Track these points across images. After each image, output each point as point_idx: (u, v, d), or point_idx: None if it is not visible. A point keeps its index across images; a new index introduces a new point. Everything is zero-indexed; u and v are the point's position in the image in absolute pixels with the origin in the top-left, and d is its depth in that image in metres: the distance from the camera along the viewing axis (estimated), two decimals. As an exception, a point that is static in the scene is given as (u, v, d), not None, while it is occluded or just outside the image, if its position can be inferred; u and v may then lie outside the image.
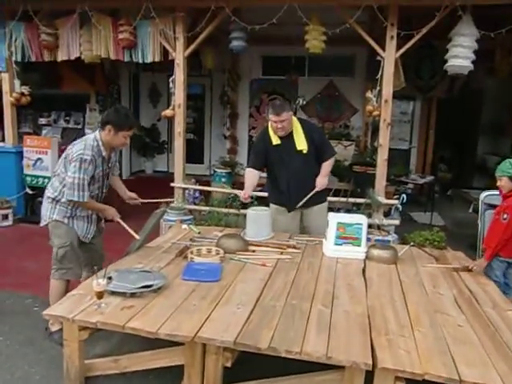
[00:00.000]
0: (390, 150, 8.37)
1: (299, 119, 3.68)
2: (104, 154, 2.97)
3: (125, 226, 3.06)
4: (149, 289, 2.44)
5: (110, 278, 2.48)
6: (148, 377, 2.48)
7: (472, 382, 1.80)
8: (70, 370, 2.37)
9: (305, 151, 3.54)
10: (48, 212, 2.99)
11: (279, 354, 1.96)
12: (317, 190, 3.58)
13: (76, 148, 2.88)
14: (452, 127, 8.66)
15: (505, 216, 3.11)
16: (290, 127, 3.51)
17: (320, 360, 1.93)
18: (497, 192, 5.18)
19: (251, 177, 3.68)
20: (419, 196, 7.80)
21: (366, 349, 1.99)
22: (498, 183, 3.28)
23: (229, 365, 2.13)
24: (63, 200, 2.93)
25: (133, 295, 2.40)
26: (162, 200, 3.29)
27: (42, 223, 3.04)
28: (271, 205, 3.84)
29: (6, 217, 5.59)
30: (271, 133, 3.58)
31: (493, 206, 5.01)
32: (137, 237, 3.10)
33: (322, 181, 3.61)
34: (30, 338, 2.95)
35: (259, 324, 2.16)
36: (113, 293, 2.39)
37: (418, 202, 7.43)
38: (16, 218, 5.65)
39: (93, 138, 2.93)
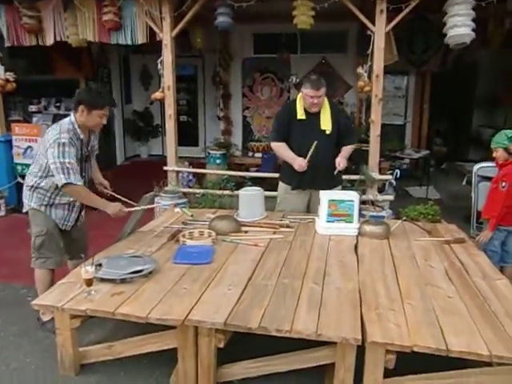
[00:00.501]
0: (385, 125, 8.33)
1: (329, 99, 3.56)
2: (82, 136, 2.86)
3: (134, 208, 3.12)
4: (139, 274, 2.44)
5: (99, 265, 2.49)
6: (143, 361, 2.49)
7: (458, 351, 1.83)
8: (64, 358, 2.40)
9: (328, 132, 3.46)
10: (27, 199, 2.94)
11: (270, 333, 1.98)
12: (339, 169, 3.45)
13: (51, 133, 2.77)
14: (446, 101, 8.59)
15: (503, 184, 3.19)
16: (323, 104, 3.45)
17: (310, 337, 1.95)
18: (489, 164, 5.20)
19: (284, 148, 3.53)
20: (415, 171, 7.80)
21: (356, 324, 2.01)
22: (494, 154, 3.35)
23: (221, 346, 2.15)
24: (42, 186, 2.86)
25: (123, 281, 2.40)
26: (129, 201, 3.19)
27: (24, 210, 3.01)
28: (280, 183, 3.77)
29: (-2, 207, 5.57)
30: (298, 106, 3.47)
31: (486, 178, 5.03)
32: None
33: (343, 161, 3.43)
34: (24, 328, 2.94)
35: (250, 304, 2.18)
36: (102, 280, 2.40)
37: (413, 177, 7.43)
38: (8, 208, 5.60)
39: (68, 122, 2.83)
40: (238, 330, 2.04)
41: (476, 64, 8.09)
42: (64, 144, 2.71)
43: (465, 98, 8.77)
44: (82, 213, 3.17)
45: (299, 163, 3.40)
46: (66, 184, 2.73)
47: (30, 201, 2.92)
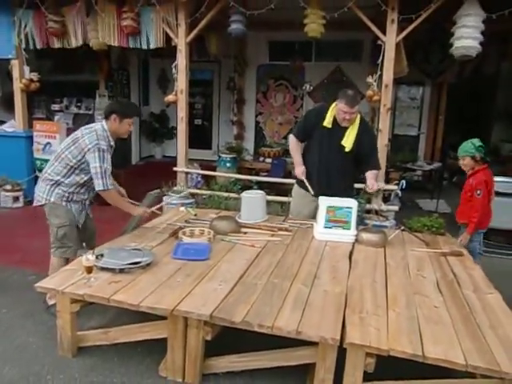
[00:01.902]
0: (399, 136, 8.34)
1: (362, 118, 3.54)
2: (112, 143, 3.12)
3: (158, 212, 3.36)
4: (137, 265, 2.56)
5: (101, 255, 2.62)
6: (137, 349, 2.60)
7: (434, 358, 1.87)
8: (63, 340, 2.52)
9: (347, 149, 3.44)
10: (44, 194, 3.09)
11: (252, 328, 2.06)
12: (369, 190, 3.52)
13: (89, 139, 2.99)
14: (463, 113, 8.51)
15: (478, 192, 3.40)
16: (354, 120, 3.44)
17: (290, 335, 2.02)
18: (501, 179, 5.18)
19: (297, 147, 3.66)
20: (427, 183, 7.75)
21: (337, 325, 2.07)
22: (461, 162, 3.52)
23: (209, 338, 2.23)
24: (66, 183, 3.05)
25: (122, 271, 2.53)
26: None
27: (36, 203, 3.16)
28: (295, 185, 3.81)
29: (17, 199, 5.79)
30: (329, 113, 3.46)
31: (496, 193, 5.01)
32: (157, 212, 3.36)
33: (373, 182, 3.47)
34: (30, 310, 3.11)
35: (237, 300, 2.26)
36: (103, 269, 2.52)
37: (425, 189, 7.39)
38: (26, 200, 5.83)
39: (101, 129, 3.06)
40: (223, 324, 2.12)
41: (495, 76, 8.00)
42: (104, 150, 2.98)
43: (483, 110, 8.67)
44: (89, 211, 3.34)
45: (298, 171, 3.55)
46: (104, 190, 3.00)
47: (48, 195, 3.08)
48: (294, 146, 3.67)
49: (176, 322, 2.24)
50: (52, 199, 3.08)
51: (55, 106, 8.36)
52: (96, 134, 3.01)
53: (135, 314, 2.35)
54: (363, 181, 5.09)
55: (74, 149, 3.01)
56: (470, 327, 2.14)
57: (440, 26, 6.37)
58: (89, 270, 2.40)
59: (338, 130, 3.44)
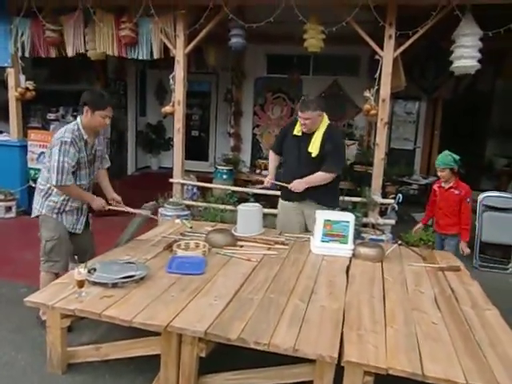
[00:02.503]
0: (395, 150, 8.36)
1: (329, 124, 3.55)
2: (85, 137, 2.98)
3: (119, 208, 3.17)
4: (130, 279, 2.50)
5: (94, 270, 2.55)
6: (129, 366, 2.53)
7: (434, 377, 1.83)
8: (52, 356, 2.45)
9: (313, 155, 3.49)
10: (38, 205, 3.05)
11: (248, 345, 2.01)
12: (288, 186, 3.50)
13: (57, 134, 2.93)
14: (458, 128, 8.57)
15: (468, 200, 3.70)
16: (314, 127, 3.47)
17: (287, 352, 1.97)
18: (495, 193, 5.19)
19: (272, 160, 3.88)
20: (423, 197, 7.75)
21: (335, 343, 2.02)
22: (440, 174, 3.71)
23: (203, 355, 2.18)
24: (54, 193, 2.98)
25: (114, 285, 2.47)
26: (141, 211, 3.32)
27: (33, 215, 3.12)
28: (279, 199, 3.87)
29: (9, 209, 5.71)
30: (299, 123, 3.54)
31: (491, 208, 5.02)
32: (138, 211, 3.24)
33: (297, 184, 3.47)
34: (19, 325, 3.03)
35: (233, 316, 2.21)
36: (95, 283, 2.46)
37: (421, 203, 7.36)
38: (19, 210, 5.76)
39: (73, 123, 2.99)
40: (218, 341, 2.07)
41: (490, 92, 8.09)
42: (66, 142, 2.85)
43: (477, 126, 8.74)
44: (90, 215, 3.29)
45: (266, 180, 3.77)
46: (57, 185, 2.89)
47: (40, 207, 3.03)
48: (271, 159, 3.90)
49: (169, 338, 2.18)
50: (43, 211, 3.02)
51: (51, 115, 8.28)
52: (65, 129, 2.94)
53: (127, 330, 2.28)
54: (359, 194, 5.12)
55: (49, 151, 2.95)
56: (469, 345, 2.10)
57: (436, 44, 6.45)
58: (80, 284, 2.34)
59: (306, 137, 3.53)
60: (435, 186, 3.91)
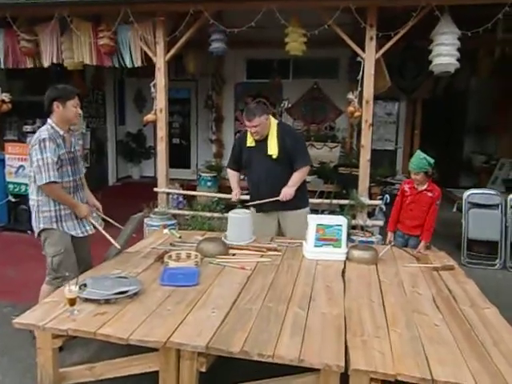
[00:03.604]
0: (376, 150, 8.44)
1: (278, 123, 3.64)
2: (62, 132, 2.93)
3: (100, 229, 3.05)
4: (123, 295, 2.41)
5: (84, 285, 2.45)
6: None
7: (444, 381, 1.79)
8: (43, 379, 2.32)
9: (274, 156, 3.52)
10: (35, 222, 2.96)
11: (251, 358, 1.94)
12: (280, 199, 3.50)
13: (33, 139, 2.89)
14: (437, 127, 8.72)
15: (438, 202, 3.69)
16: (265, 131, 3.50)
17: (293, 363, 1.91)
18: (479, 190, 5.27)
19: (232, 176, 3.84)
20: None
21: (340, 351, 1.97)
22: (414, 177, 3.65)
23: (204, 370, 2.10)
24: (44, 202, 2.90)
25: (107, 302, 2.37)
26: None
27: (35, 234, 3.02)
28: (251, 208, 3.84)
29: (-12, 225, 5.53)
30: (249, 134, 3.59)
31: (476, 205, 5.08)
32: (116, 245, 3.09)
33: (286, 191, 3.51)
34: (6, 346, 2.90)
35: (233, 327, 2.14)
36: (87, 300, 2.36)
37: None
38: (-1, 226, 5.58)
39: (45, 124, 2.94)
40: (220, 354, 2.00)
41: (467, 91, 8.25)
42: (44, 139, 2.80)
43: (456, 124, 8.91)
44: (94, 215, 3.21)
45: (233, 195, 3.75)
46: (48, 183, 2.80)
47: (38, 223, 2.94)
48: (230, 176, 3.88)
49: (168, 353, 2.10)
50: (42, 225, 2.93)
51: (27, 128, 8.05)
52: (38, 131, 2.91)
53: (121, 346, 2.18)
54: (346, 197, 5.12)
55: (30, 159, 2.89)
56: (473, 345, 2.08)
57: (413, 44, 6.54)
58: (72, 301, 2.24)
59: (261, 143, 3.55)
60: (406, 187, 3.79)
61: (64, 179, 2.95)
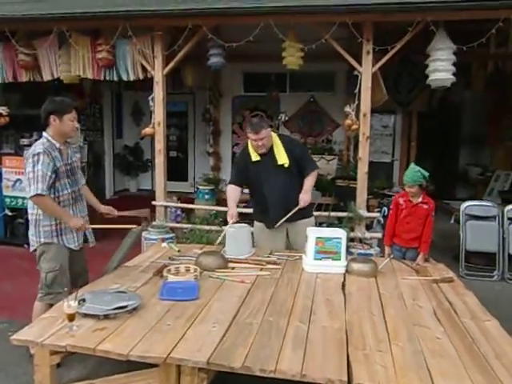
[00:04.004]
0: (373, 163, 8.48)
1: (278, 135, 3.67)
2: (58, 145, 2.91)
3: (101, 227, 3.10)
4: (123, 310, 2.38)
5: (83, 300, 2.42)
6: (124, 401, 2.40)
7: (448, 396, 1.78)
8: (41, 396, 2.29)
9: (286, 165, 3.50)
10: (34, 236, 2.93)
11: (253, 373, 1.92)
12: (300, 206, 3.50)
13: (28, 153, 2.87)
14: (433, 139, 8.78)
15: (433, 214, 3.74)
16: (269, 144, 3.50)
17: (295, 378, 1.89)
18: (476, 202, 5.29)
19: (233, 193, 3.67)
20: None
21: (342, 365, 1.95)
22: (408, 190, 3.69)
23: (204, 385, 2.08)
24: (43, 217, 2.88)
25: (106, 317, 2.34)
26: (138, 214, 3.26)
27: (31, 248, 2.98)
28: (255, 222, 3.81)
29: (-16, 239, 5.49)
30: (251, 149, 3.56)
31: (473, 217, 5.10)
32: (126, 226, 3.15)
33: (305, 197, 3.51)
34: (2, 363, 2.86)
35: (234, 342, 2.12)
36: (85, 315, 2.33)
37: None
38: (-5, 240, 5.54)
39: (42, 138, 2.93)
40: (222, 370, 1.98)
41: (461, 104, 8.34)
42: (39, 153, 2.78)
43: (451, 136, 8.98)
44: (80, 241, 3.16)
45: (229, 214, 3.56)
46: (35, 195, 2.75)
47: (38, 237, 2.91)
48: (230, 193, 3.69)
49: (168, 369, 2.07)
50: (42, 240, 2.91)
51: (24, 141, 8.03)
52: (34, 145, 2.89)
53: (119, 362, 2.14)
54: (344, 209, 5.13)
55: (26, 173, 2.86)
56: (476, 358, 2.06)
57: (408, 58, 6.62)
58: (71, 317, 2.21)
59: (268, 156, 3.52)
60: (400, 200, 3.79)
61: (63, 192, 2.94)
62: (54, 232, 2.92)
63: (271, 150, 3.52)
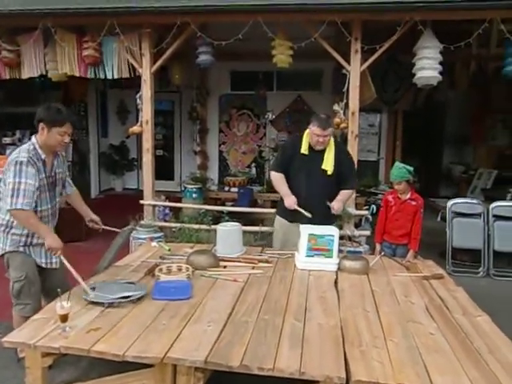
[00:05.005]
0: (360, 161, 8.54)
1: (335, 141, 3.60)
2: (43, 156, 2.71)
3: (68, 266, 2.69)
4: (127, 300, 2.43)
5: (93, 289, 2.53)
6: (117, 402, 2.36)
7: (445, 390, 1.80)
8: (33, 399, 2.25)
9: (329, 172, 3.47)
10: (1, 243, 2.76)
11: (251, 372, 1.91)
12: (333, 212, 3.47)
13: (11, 156, 2.66)
14: (418, 138, 8.89)
15: (422, 210, 3.83)
16: (328, 143, 3.46)
17: (293, 376, 1.89)
18: (463, 200, 5.36)
19: (282, 180, 3.57)
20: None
21: (340, 362, 1.96)
22: (397, 187, 3.75)
23: (201, 385, 2.06)
24: (15, 224, 2.70)
25: (111, 305, 2.40)
26: (124, 229, 3.21)
27: None
28: (277, 217, 3.78)
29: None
30: (304, 141, 3.49)
31: (459, 214, 5.17)
32: (86, 288, 2.58)
33: (338, 204, 3.46)
34: (-11, 367, 2.79)
35: (231, 341, 2.11)
36: (92, 303, 2.41)
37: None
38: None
39: (28, 143, 2.73)
40: (219, 369, 1.97)
41: (445, 103, 8.46)
42: (22, 163, 2.58)
43: (435, 135, 9.11)
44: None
45: (289, 202, 3.45)
46: (12, 209, 2.56)
47: (4, 244, 2.74)
48: (277, 178, 3.60)
49: (164, 369, 2.05)
50: (7, 248, 2.72)
51: (6, 139, 7.92)
52: (19, 149, 2.67)
53: (112, 363, 2.11)
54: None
55: (4, 175, 2.65)
56: (470, 354, 2.09)
57: (394, 57, 6.68)
58: (64, 318, 2.16)
59: (316, 155, 3.48)
60: (389, 197, 3.87)
61: (42, 207, 2.76)
62: (21, 242, 2.75)
63: (323, 150, 3.48)
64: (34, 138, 2.74)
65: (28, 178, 2.58)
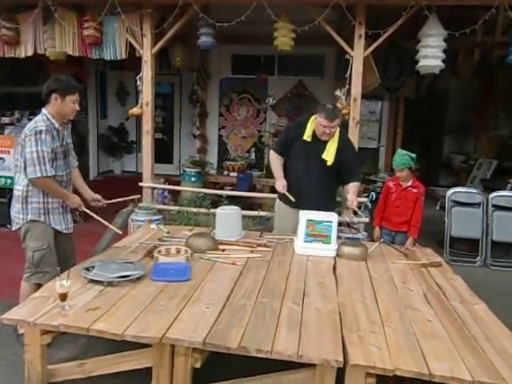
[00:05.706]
0: (360, 149, 8.54)
1: (341, 129, 3.53)
2: (57, 125, 2.85)
3: (94, 215, 2.98)
4: (126, 279, 2.45)
5: (92, 267, 2.54)
6: (114, 380, 2.39)
7: (441, 376, 1.81)
8: (31, 376, 2.25)
9: (329, 163, 3.43)
10: (20, 214, 2.85)
11: (249, 354, 1.92)
12: (352, 207, 3.46)
13: (27, 127, 2.79)
14: (419, 126, 8.84)
15: (423, 198, 3.81)
16: (333, 134, 3.41)
17: (291, 358, 1.90)
18: (462, 189, 5.36)
19: (279, 162, 3.59)
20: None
21: (338, 346, 1.97)
22: (399, 174, 3.74)
23: (198, 366, 2.08)
24: (33, 193, 2.82)
25: (110, 284, 2.42)
26: (128, 198, 3.21)
27: (15, 227, 2.89)
28: (277, 201, 3.77)
29: (-35, 219, 5.32)
30: (308, 127, 3.44)
31: (459, 203, 5.17)
32: (115, 229, 3.10)
33: (354, 198, 3.40)
34: (-12, 344, 2.80)
35: (229, 323, 2.12)
36: (92, 281, 2.43)
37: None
38: (-24, 220, 5.38)
39: (41, 114, 2.84)
40: (217, 350, 1.97)
41: (447, 92, 8.39)
42: (41, 131, 2.72)
43: (436, 124, 9.05)
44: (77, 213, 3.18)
45: (278, 185, 3.47)
46: (42, 177, 2.72)
47: (25, 214, 2.84)
48: (274, 160, 3.62)
49: (162, 349, 2.06)
50: (29, 217, 2.83)
51: (5, 119, 7.83)
52: (34, 121, 2.82)
53: (109, 342, 2.13)
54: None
55: (22, 149, 2.79)
56: (466, 341, 2.10)
57: (396, 43, 6.61)
58: (63, 297, 2.17)
59: (318, 143, 3.43)
60: (390, 184, 3.87)
61: (58, 173, 2.88)
62: (41, 210, 2.85)
63: (326, 140, 3.42)
64: (44, 110, 2.84)
65: (45, 145, 2.73)
